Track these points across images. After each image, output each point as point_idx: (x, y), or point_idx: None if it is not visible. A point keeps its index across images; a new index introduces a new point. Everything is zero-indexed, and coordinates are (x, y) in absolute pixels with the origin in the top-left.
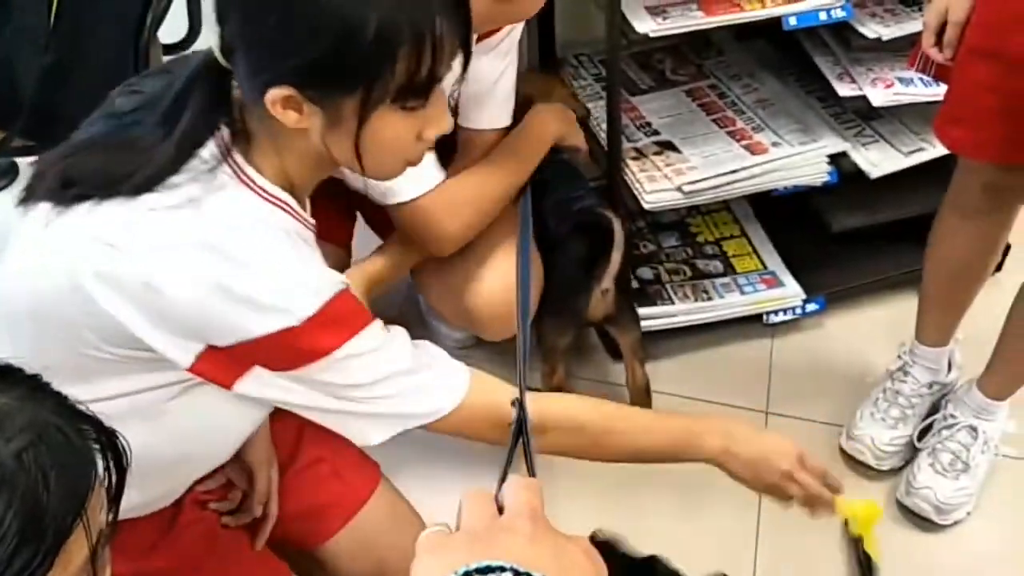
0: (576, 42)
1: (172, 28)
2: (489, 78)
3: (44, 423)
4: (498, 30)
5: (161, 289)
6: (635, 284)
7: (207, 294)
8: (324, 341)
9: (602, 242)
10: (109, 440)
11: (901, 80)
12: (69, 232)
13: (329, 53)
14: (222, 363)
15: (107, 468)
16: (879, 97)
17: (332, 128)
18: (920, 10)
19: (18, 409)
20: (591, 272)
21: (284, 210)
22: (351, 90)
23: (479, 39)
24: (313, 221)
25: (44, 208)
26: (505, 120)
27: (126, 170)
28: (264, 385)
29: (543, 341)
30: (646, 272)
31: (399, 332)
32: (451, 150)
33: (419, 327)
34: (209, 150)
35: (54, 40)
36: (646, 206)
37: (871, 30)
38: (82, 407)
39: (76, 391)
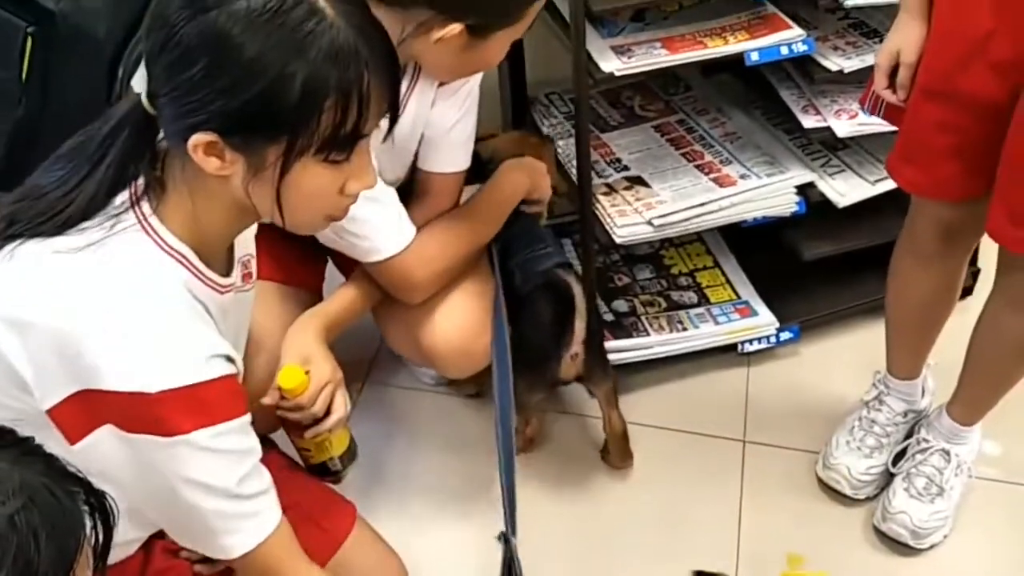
0: (546, 81)
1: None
2: (447, 122)
3: (35, 485)
4: None
5: (51, 331)
6: (610, 316)
7: (87, 343)
8: (176, 420)
9: (565, 308)
10: (98, 500)
11: (868, 113)
12: None
13: (254, 102)
14: (77, 415)
15: (94, 527)
16: (843, 128)
17: (254, 176)
18: (880, 41)
19: (9, 472)
20: (559, 339)
21: (183, 265)
22: (275, 139)
23: (440, 85)
24: (221, 281)
25: None
26: (463, 163)
27: (53, 211)
28: (104, 447)
29: (515, 398)
30: (621, 304)
31: (254, 451)
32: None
33: (396, 363)
34: (122, 197)
35: (25, 94)
36: (617, 240)
37: (833, 63)
38: (72, 468)
39: None
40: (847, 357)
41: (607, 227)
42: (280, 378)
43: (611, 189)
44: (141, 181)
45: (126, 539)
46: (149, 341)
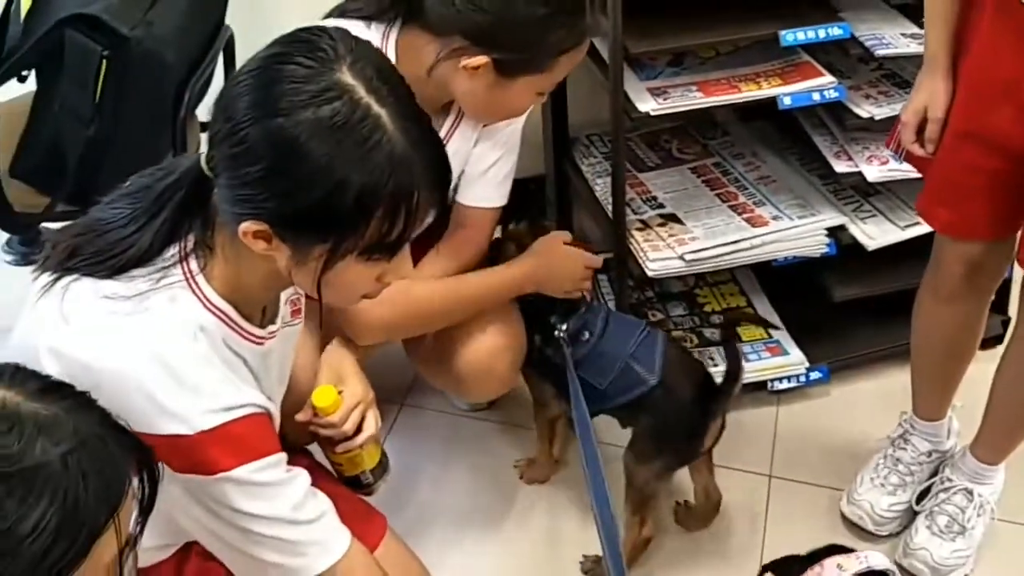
0: (587, 123)
1: (210, 105)
2: (487, 160)
3: (88, 433)
4: None
5: (91, 369)
6: None
7: (126, 385)
8: (215, 458)
9: (703, 380)
10: (144, 456)
11: (895, 157)
12: (48, 302)
13: (310, 206)
14: None
15: (141, 481)
16: (874, 173)
17: (298, 264)
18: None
19: (65, 418)
20: (704, 413)
21: (224, 322)
22: (322, 239)
23: (484, 125)
24: (263, 333)
25: (46, 278)
26: (499, 200)
27: (108, 254)
28: (167, 488)
29: (642, 491)
30: None
31: (298, 478)
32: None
33: (430, 391)
34: (172, 250)
35: (97, 115)
36: (649, 273)
37: (864, 110)
38: (122, 423)
39: None
40: (876, 399)
41: (639, 260)
42: (314, 397)
43: (645, 225)
44: (191, 237)
45: (162, 543)
46: (180, 385)
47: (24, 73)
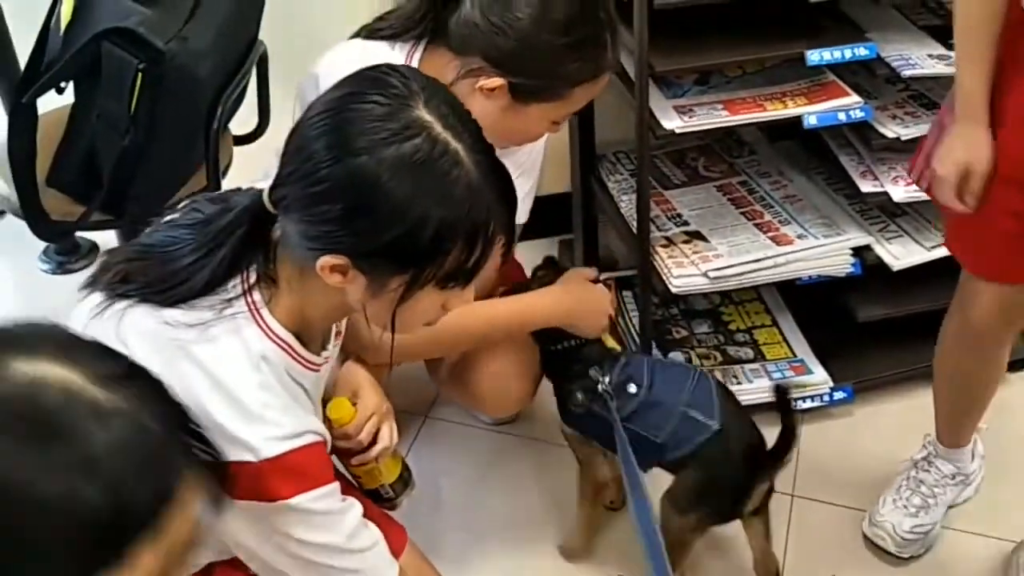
0: (614, 141)
1: (243, 119)
2: None
3: (145, 427)
4: None
5: None
6: None
7: (198, 416)
8: (276, 486)
9: (756, 438)
10: (213, 452)
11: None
12: (102, 325)
13: (391, 242)
14: None
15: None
16: (900, 193)
17: (372, 296)
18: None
19: (127, 408)
20: (753, 473)
21: (287, 352)
22: (401, 271)
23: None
24: (320, 360)
25: (97, 298)
26: (519, 219)
27: (167, 284)
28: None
29: (675, 539)
30: (677, 356)
31: (353, 507)
32: None
33: (453, 405)
34: (234, 281)
35: (132, 126)
36: (673, 289)
37: (891, 130)
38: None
39: None
40: (900, 420)
41: (663, 276)
42: (329, 409)
43: (670, 242)
44: (253, 270)
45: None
46: (244, 414)
47: (63, 85)
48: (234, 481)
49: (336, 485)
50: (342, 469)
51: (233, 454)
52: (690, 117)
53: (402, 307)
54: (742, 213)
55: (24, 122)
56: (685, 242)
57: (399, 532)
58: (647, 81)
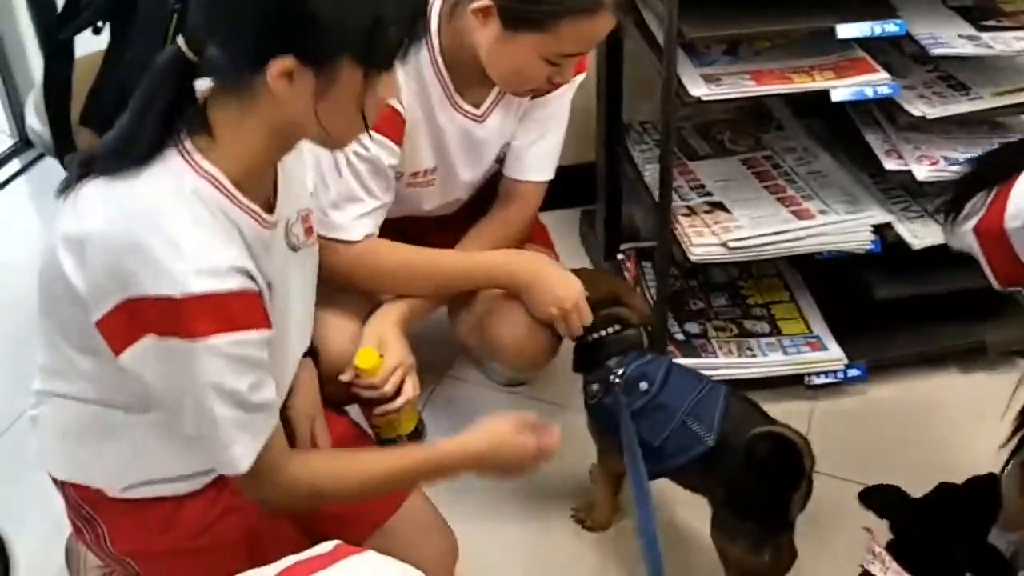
0: (641, 111)
1: None
2: (532, 136)
3: None
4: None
5: (94, 241)
6: (681, 336)
7: (118, 248)
8: (197, 324)
9: (784, 446)
10: None
11: (947, 159)
12: (66, 204)
13: (326, 21)
14: (121, 325)
15: None
16: (923, 172)
17: (323, 96)
18: (967, 94)
19: None
20: (790, 481)
21: (216, 188)
22: (348, 52)
23: (531, 97)
24: (262, 213)
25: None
26: (545, 175)
27: (112, 159)
28: (144, 360)
29: (741, 569)
30: (693, 327)
31: (260, 362)
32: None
33: (470, 365)
34: (170, 144)
35: None
36: (692, 258)
37: (917, 108)
38: None
39: (82, 384)
40: (912, 399)
41: (683, 245)
42: (357, 358)
43: (692, 211)
44: (185, 130)
45: (185, 472)
46: (177, 248)
47: (99, 25)
48: (158, 316)
49: (265, 335)
50: (362, 418)
51: (158, 288)
52: (717, 85)
53: (354, 101)
54: (765, 187)
55: (60, 60)
56: (707, 212)
57: None
58: (676, 47)
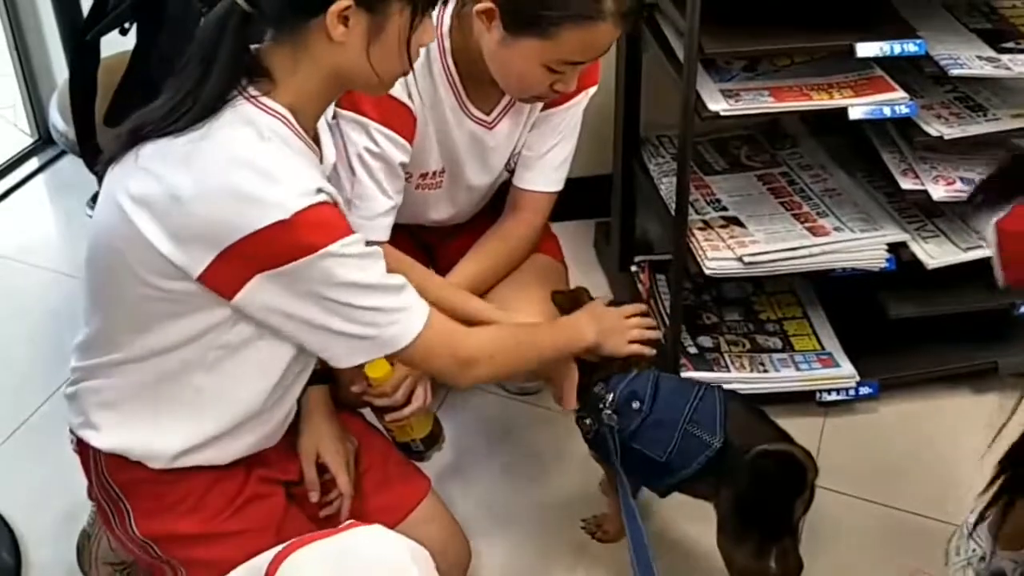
0: (657, 125)
1: None
2: (544, 145)
3: None
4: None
5: (180, 197)
6: (694, 350)
7: (216, 198)
8: (313, 237)
9: (787, 457)
10: None
11: (963, 180)
12: (123, 168)
13: None
14: (226, 272)
15: None
16: (939, 192)
17: (375, 39)
18: (985, 115)
19: None
20: (792, 490)
21: (283, 122)
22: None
23: (543, 108)
24: (311, 142)
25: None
26: (554, 185)
27: (178, 113)
28: (260, 295)
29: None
30: (706, 340)
31: (378, 252)
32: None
33: None
34: (233, 92)
35: None
36: (707, 271)
37: (934, 128)
38: None
39: (141, 341)
40: (924, 418)
41: (698, 259)
42: (368, 368)
43: (707, 225)
44: (246, 81)
45: (213, 434)
46: (273, 179)
47: (126, 26)
48: (272, 249)
49: (359, 235)
50: (377, 423)
51: (266, 219)
52: (736, 101)
53: (403, 40)
54: (780, 203)
55: (86, 60)
56: (722, 227)
57: (423, 482)
58: (696, 61)
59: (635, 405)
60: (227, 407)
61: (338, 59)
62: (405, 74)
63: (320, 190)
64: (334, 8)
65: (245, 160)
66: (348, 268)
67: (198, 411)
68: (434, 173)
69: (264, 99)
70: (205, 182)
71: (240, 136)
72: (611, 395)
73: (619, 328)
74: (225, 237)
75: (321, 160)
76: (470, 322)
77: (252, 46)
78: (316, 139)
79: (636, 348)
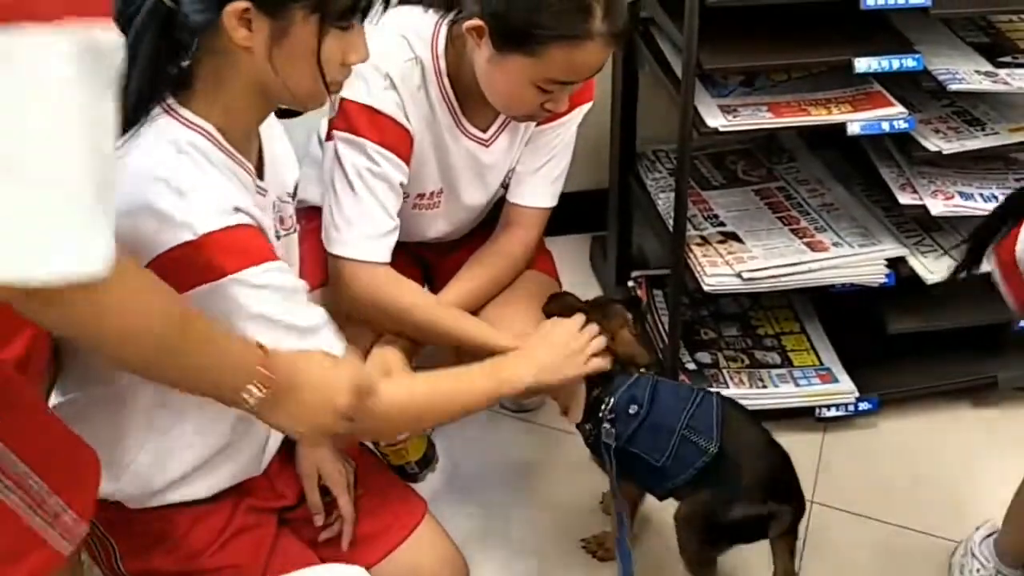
0: (654, 139)
1: None
2: (538, 161)
3: None
4: (546, 121)
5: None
6: (692, 366)
7: (132, 213)
8: (220, 260)
9: (780, 457)
10: None
11: (962, 195)
12: None
13: None
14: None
15: None
16: (938, 207)
17: (278, 45)
18: (983, 130)
19: None
20: (785, 491)
21: (206, 138)
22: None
23: (537, 125)
24: (242, 159)
25: None
26: (548, 201)
27: None
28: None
29: (694, 562)
30: (704, 356)
31: (300, 287)
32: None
33: None
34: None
35: None
36: (705, 288)
37: (932, 143)
38: None
39: (95, 377)
40: (923, 435)
41: (697, 275)
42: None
43: (705, 241)
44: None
45: (184, 471)
46: (185, 197)
47: None
48: (181, 268)
49: (280, 264)
50: (371, 446)
51: (177, 238)
52: (734, 116)
53: (309, 54)
54: (778, 218)
55: None
56: (720, 242)
57: (419, 504)
58: (694, 76)
59: (632, 409)
60: (191, 444)
61: (253, 68)
62: (329, 93)
63: (238, 209)
64: (230, 8)
65: (159, 176)
66: (258, 300)
67: (165, 450)
68: (432, 193)
69: (185, 112)
70: (125, 198)
71: (158, 151)
72: (610, 399)
73: (575, 350)
74: (145, 255)
75: (262, 177)
76: (462, 344)
77: (183, 63)
78: (260, 155)
79: (596, 363)
